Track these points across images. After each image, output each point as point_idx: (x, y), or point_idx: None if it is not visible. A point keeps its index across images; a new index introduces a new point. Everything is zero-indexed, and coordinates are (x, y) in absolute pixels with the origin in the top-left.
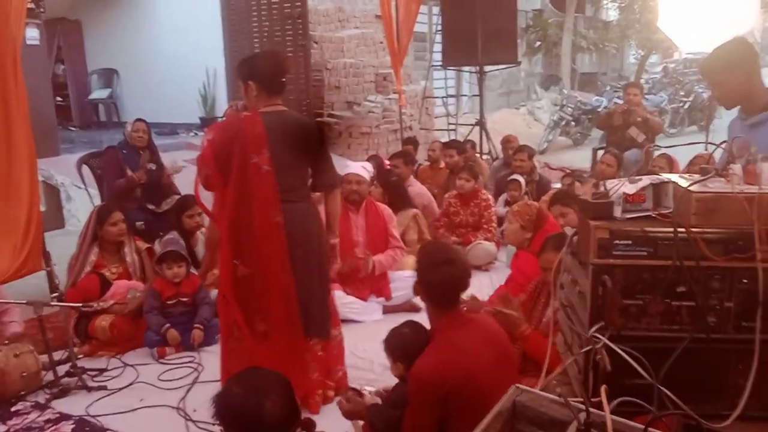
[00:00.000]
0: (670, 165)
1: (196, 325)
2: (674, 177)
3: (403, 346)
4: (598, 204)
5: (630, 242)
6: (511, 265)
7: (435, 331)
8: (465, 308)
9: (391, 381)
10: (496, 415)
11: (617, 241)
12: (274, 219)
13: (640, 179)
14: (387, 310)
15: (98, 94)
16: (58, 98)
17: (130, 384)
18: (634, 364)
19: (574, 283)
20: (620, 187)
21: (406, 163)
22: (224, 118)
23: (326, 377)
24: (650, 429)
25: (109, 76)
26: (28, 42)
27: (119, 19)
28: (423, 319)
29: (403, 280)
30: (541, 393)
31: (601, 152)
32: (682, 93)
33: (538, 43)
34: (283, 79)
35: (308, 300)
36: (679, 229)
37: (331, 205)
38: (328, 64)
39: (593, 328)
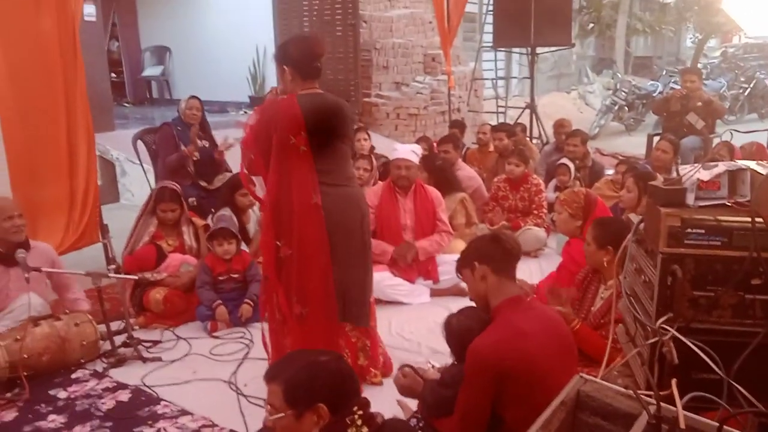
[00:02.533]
0: (731, 153)
1: (246, 301)
2: (752, 164)
3: (457, 331)
4: (670, 190)
5: (703, 231)
6: (562, 252)
7: (495, 313)
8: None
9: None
10: (560, 404)
11: (689, 230)
12: (312, 200)
13: (716, 165)
14: (434, 293)
15: (151, 71)
16: (113, 74)
17: (183, 356)
18: (706, 359)
19: (638, 272)
20: (694, 173)
21: (455, 148)
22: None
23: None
24: (724, 427)
25: (161, 53)
26: (86, 18)
27: None
28: (470, 304)
29: (451, 264)
30: (606, 383)
31: (656, 138)
32: (742, 79)
33: (591, 24)
34: (318, 64)
35: (347, 285)
36: (757, 219)
37: None
38: (377, 44)
39: (661, 320)
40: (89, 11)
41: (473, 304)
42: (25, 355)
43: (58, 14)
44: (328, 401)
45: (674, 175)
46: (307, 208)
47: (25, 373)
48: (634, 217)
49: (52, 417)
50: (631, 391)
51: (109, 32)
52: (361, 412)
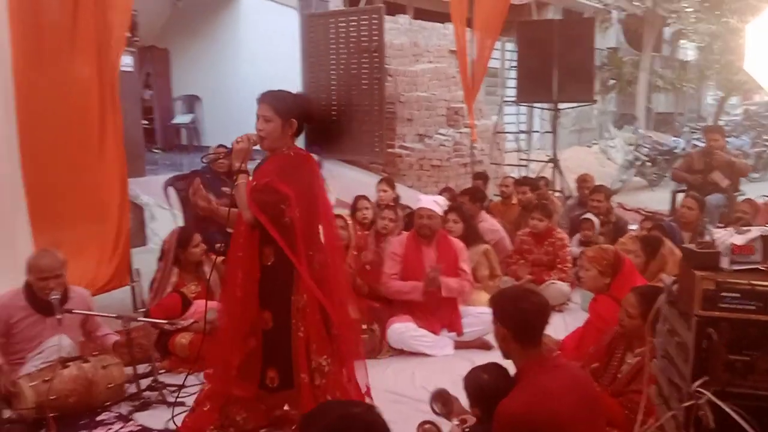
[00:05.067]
0: (755, 210)
1: None
2: None
3: (480, 389)
4: (704, 254)
5: (738, 295)
6: (589, 309)
7: (521, 373)
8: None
9: None
10: None
11: (724, 294)
12: (338, 242)
13: (749, 230)
14: (458, 346)
15: (181, 118)
16: (145, 121)
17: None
18: (744, 424)
19: (671, 333)
20: (727, 237)
21: (473, 201)
22: (239, 148)
23: None
24: None
25: (192, 101)
26: (123, 68)
27: (204, 49)
28: (496, 357)
29: (475, 316)
30: None
31: (680, 195)
32: (765, 136)
33: (612, 81)
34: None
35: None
36: None
37: None
38: (401, 97)
39: (697, 383)
40: (126, 62)
41: (498, 356)
42: (53, 397)
43: (99, 64)
44: None
45: (707, 237)
46: (341, 258)
47: (52, 414)
48: (666, 278)
49: None
50: None
51: (144, 81)
52: None
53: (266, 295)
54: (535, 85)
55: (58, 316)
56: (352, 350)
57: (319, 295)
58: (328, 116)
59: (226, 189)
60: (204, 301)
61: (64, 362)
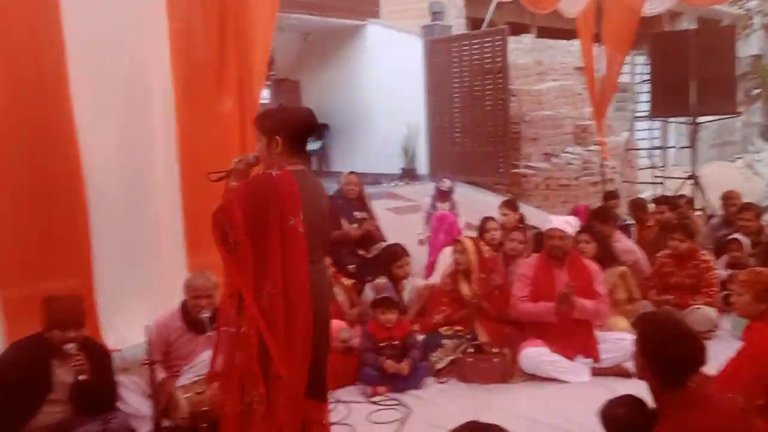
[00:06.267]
0: None
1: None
2: None
3: (618, 425)
4: None
5: None
6: (743, 337)
7: (663, 408)
8: None
9: None
10: None
11: None
12: (305, 284)
13: None
14: (595, 372)
15: (311, 146)
16: None
17: (342, 420)
18: None
19: None
20: None
21: (604, 221)
22: (236, 172)
23: None
24: None
25: (321, 130)
26: (261, 101)
27: (332, 79)
28: (635, 385)
29: (613, 342)
30: None
31: None
32: None
33: (757, 90)
34: (311, 138)
35: (317, 363)
36: None
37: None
38: (526, 117)
39: None
40: (264, 95)
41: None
42: (205, 408)
43: (241, 97)
44: None
45: None
46: (300, 292)
47: (204, 425)
48: None
49: None
50: None
51: None
52: None
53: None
54: (670, 99)
55: (209, 333)
56: (297, 396)
57: (261, 327)
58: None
59: (357, 213)
60: (336, 321)
61: None
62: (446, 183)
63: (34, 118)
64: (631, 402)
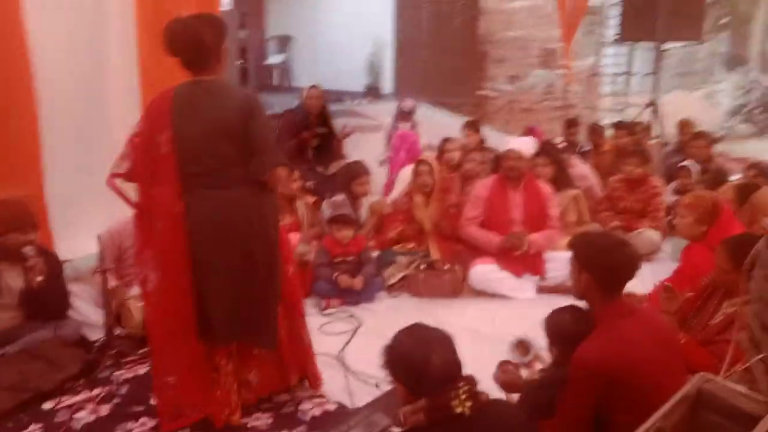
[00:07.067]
0: None
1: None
2: None
3: (560, 331)
4: None
5: None
6: (681, 256)
7: (599, 319)
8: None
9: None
10: (681, 399)
11: None
12: (175, 209)
13: None
14: (541, 290)
15: (274, 59)
16: (240, 61)
17: None
18: None
19: (767, 278)
20: None
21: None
22: None
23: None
24: None
25: (284, 42)
26: (223, 8)
27: None
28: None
29: (559, 261)
30: (730, 384)
31: None
32: None
33: (725, 19)
34: (221, 48)
35: (236, 305)
36: None
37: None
38: (494, 37)
39: None
40: (226, 0)
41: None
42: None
43: (199, 4)
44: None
45: None
46: (169, 218)
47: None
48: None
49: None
50: (755, 392)
51: (239, 21)
52: (466, 387)
53: None
54: (638, 23)
55: None
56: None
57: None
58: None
59: (318, 129)
60: (295, 234)
61: None
62: (408, 103)
63: None
64: (574, 310)
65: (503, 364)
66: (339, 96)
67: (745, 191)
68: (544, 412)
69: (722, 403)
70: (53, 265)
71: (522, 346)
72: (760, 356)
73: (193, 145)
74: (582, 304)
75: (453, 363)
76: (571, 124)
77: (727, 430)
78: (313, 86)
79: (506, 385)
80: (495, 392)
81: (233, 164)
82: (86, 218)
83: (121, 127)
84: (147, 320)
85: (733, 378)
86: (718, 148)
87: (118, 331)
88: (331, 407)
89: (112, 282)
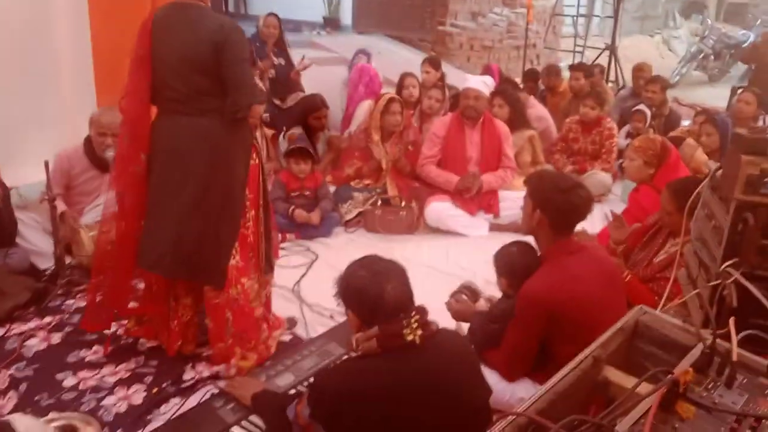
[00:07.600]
0: None
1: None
2: None
3: (509, 263)
4: (754, 139)
5: None
6: (628, 198)
7: (547, 255)
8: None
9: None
10: (619, 330)
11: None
12: (139, 130)
13: None
14: (493, 228)
15: None
16: None
17: None
18: (766, 303)
19: (709, 217)
20: None
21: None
22: None
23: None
24: None
25: None
26: None
27: None
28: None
29: (513, 200)
30: (665, 316)
31: (740, 91)
32: None
33: None
34: None
35: (180, 237)
36: None
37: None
38: None
39: (727, 263)
40: None
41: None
42: (110, 247)
43: None
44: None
45: (760, 123)
46: (135, 138)
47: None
48: (713, 164)
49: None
50: (688, 324)
51: None
52: (418, 317)
53: None
54: None
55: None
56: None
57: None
58: None
59: (275, 59)
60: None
61: None
62: (363, 59)
63: None
64: (524, 246)
65: (457, 293)
66: (297, 26)
67: (674, 143)
68: (491, 342)
69: (657, 333)
70: None
71: (468, 288)
72: (695, 291)
73: (166, 70)
74: (530, 239)
75: (405, 293)
76: (531, 77)
77: (660, 358)
78: (271, 14)
79: (458, 314)
80: (445, 323)
81: (206, 94)
82: (33, 145)
83: (68, 54)
84: (98, 240)
85: (670, 312)
86: (672, 93)
87: (68, 260)
88: (287, 338)
89: (61, 207)
